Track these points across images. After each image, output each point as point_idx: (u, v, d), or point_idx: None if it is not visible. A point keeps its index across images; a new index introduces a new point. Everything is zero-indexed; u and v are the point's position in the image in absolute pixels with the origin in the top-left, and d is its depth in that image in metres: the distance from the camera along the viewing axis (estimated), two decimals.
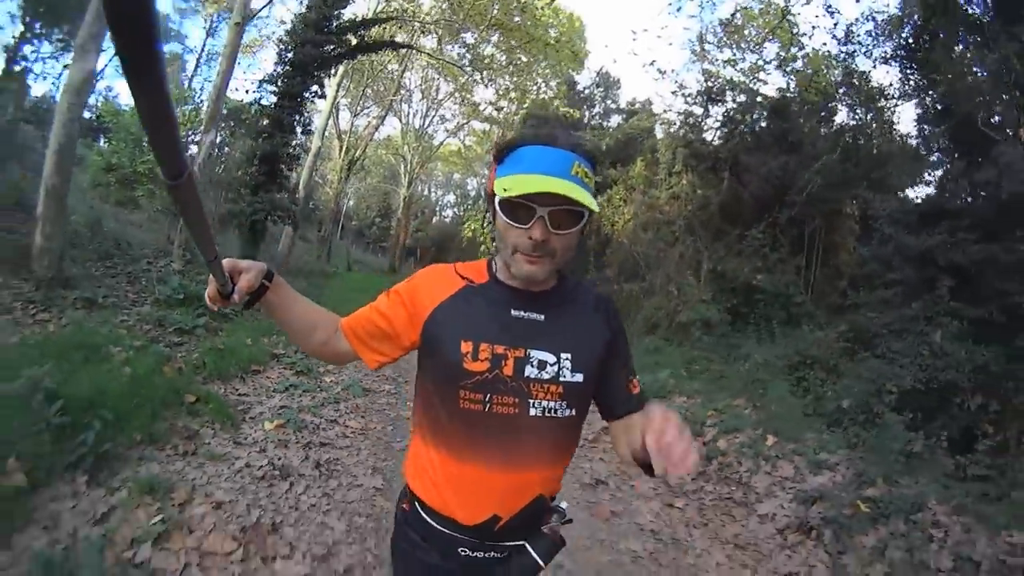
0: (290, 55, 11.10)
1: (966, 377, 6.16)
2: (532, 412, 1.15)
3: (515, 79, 18.24)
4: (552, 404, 1.16)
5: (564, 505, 1.26)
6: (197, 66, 32.48)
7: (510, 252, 1.14)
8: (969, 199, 7.56)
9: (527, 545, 1.21)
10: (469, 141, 29.85)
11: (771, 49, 14.07)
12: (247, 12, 8.96)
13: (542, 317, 1.20)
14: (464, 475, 1.16)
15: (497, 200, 1.10)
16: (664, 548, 3.35)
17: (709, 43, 14.07)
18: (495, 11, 14.68)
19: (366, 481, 3.50)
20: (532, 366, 1.16)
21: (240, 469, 3.07)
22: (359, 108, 22.96)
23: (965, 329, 6.34)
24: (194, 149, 11.19)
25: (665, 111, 14.58)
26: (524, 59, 16.81)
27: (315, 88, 11.70)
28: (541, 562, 1.21)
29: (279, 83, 11.07)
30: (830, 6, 10.96)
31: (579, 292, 1.30)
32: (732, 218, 12.81)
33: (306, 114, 11.86)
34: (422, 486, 1.22)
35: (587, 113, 19.98)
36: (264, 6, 10.45)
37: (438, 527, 1.20)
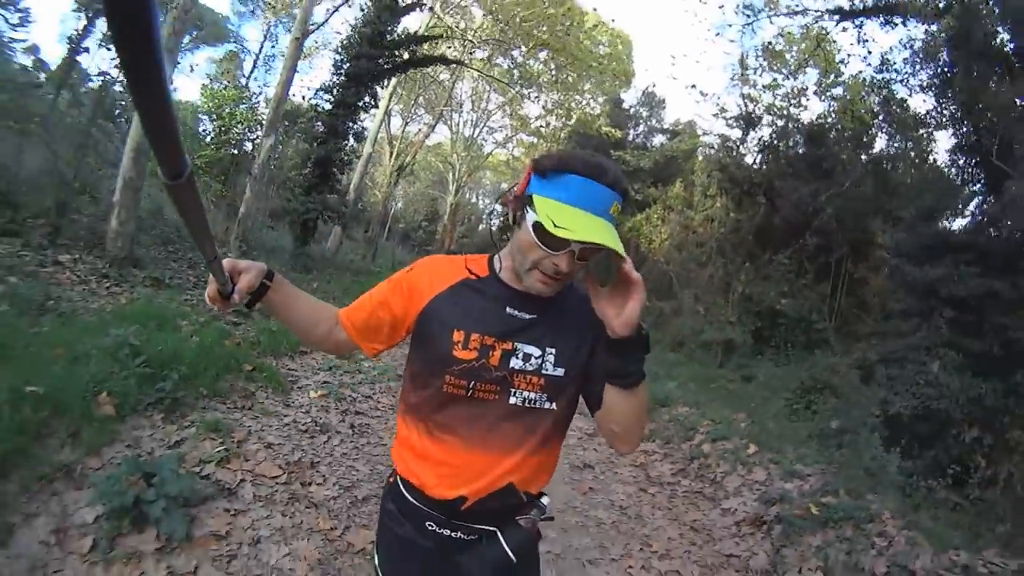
0: (346, 66, 11.84)
1: (959, 408, 6.44)
2: (512, 400, 1.21)
3: (562, 95, 18.86)
4: (533, 395, 1.22)
5: (546, 501, 1.30)
6: (254, 68, 33.91)
7: (527, 267, 1.17)
8: (993, 232, 7.78)
9: (498, 533, 1.26)
10: (517, 152, 30.43)
11: (811, 75, 14.32)
12: (306, 28, 9.78)
13: (534, 316, 1.24)
14: (439, 450, 1.22)
15: (532, 220, 1.12)
16: (627, 520, 3.90)
17: (749, 67, 14.41)
18: (543, 31, 15.36)
19: (390, 442, 4.15)
20: (518, 358, 1.22)
21: (287, 423, 3.74)
22: (411, 115, 23.90)
23: (963, 361, 6.60)
24: (248, 147, 12.20)
25: (704, 134, 15.04)
26: (570, 78, 17.39)
27: (368, 98, 12.52)
28: (511, 554, 1.25)
29: (335, 92, 11.86)
30: (862, 35, 11.21)
31: (570, 295, 1.32)
32: (763, 242, 13.13)
33: (359, 122, 12.66)
34: (402, 462, 1.30)
35: (631, 132, 20.44)
36: (322, 23, 11.23)
37: (411, 499, 1.27)
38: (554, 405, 1.24)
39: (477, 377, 1.20)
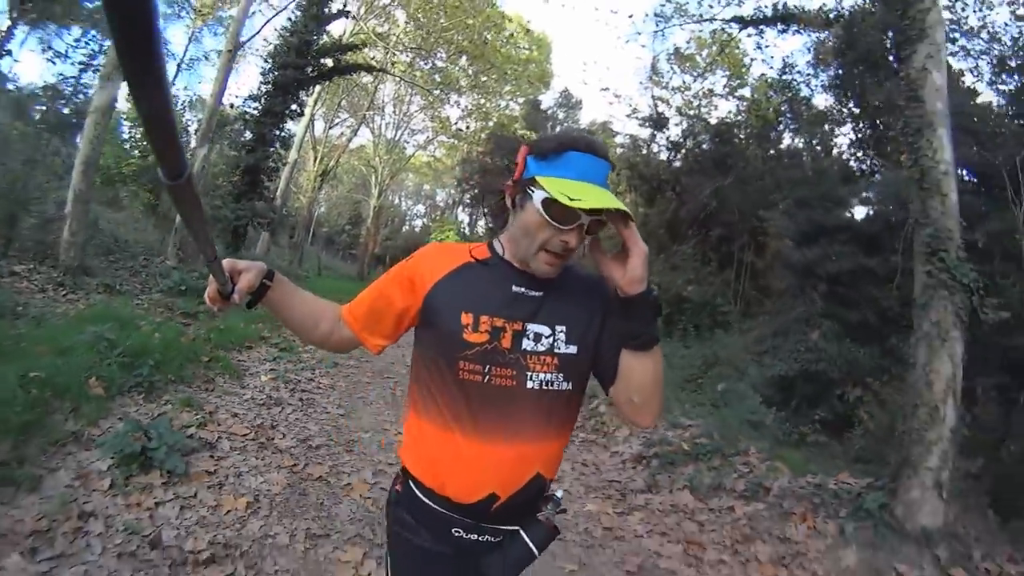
0: (273, 75, 12.28)
1: (837, 369, 7.59)
2: (529, 384, 1.17)
3: (482, 98, 19.70)
4: (549, 376, 1.19)
5: (559, 493, 1.28)
6: (178, 71, 33.06)
7: (535, 250, 1.17)
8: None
9: (521, 531, 1.22)
10: (439, 153, 30.98)
11: (720, 77, 15.60)
12: (238, 40, 10.22)
13: (540, 293, 1.22)
14: (461, 448, 1.16)
15: (541, 198, 1.12)
16: None
17: (660, 71, 15.57)
18: (463, 38, 16.14)
19: (332, 410, 5.00)
20: (529, 339, 1.19)
21: (247, 399, 4.50)
22: (334, 118, 24.25)
23: (840, 330, 7.78)
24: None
25: (616, 134, 16.14)
26: (489, 82, 18.21)
27: (295, 106, 12.95)
28: (535, 550, 1.22)
29: (262, 100, 12.27)
30: (763, 41, 12.49)
31: (577, 273, 1.32)
32: (673, 235, 14.26)
33: (286, 129, 13.13)
34: (417, 463, 1.24)
35: (547, 134, 21.35)
36: (254, 35, 11.65)
37: (432, 505, 1.21)
38: (570, 384, 1.23)
39: (492, 361, 1.17)
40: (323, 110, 22.61)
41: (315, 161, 21.80)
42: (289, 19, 12.87)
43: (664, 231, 14.36)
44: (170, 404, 3.81)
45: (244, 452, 3.52)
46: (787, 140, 14.63)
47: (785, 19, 11.66)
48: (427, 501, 1.21)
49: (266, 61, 12.72)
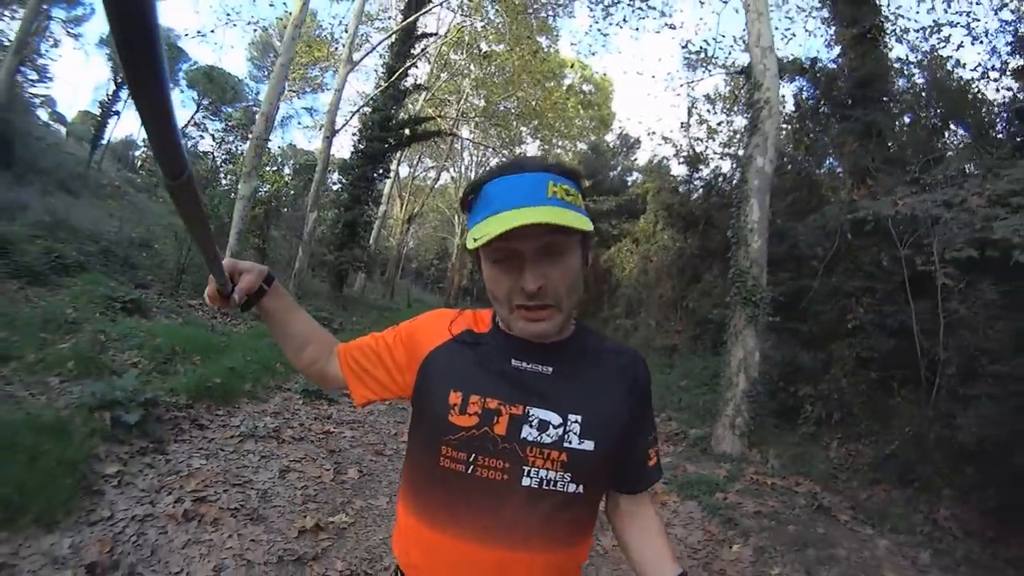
0: (362, 146, 15.75)
1: (782, 373, 9.96)
2: (525, 482, 1.02)
3: (545, 147, 22.84)
4: (552, 475, 1.03)
5: None
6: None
7: (507, 311, 1.06)
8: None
9: None
10: None
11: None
12: (333, 129, 13.83)
13: (549, 370, 1.09)
14: (439, 546, 1.05)
15: (476, 253, 1.05)
16: None
17: (695, 114, 18.10)
18: (523, 96, 19.42)
19: None
20: (531, 427, 1.04)
21: None
22: (417, 164, 28.15)
23: (788, 339, 10.18)
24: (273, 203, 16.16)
25: (653, 173, 18.59)
26: (550, 135, 21.34)
27: (381, 170, 16.48)
28: None
29: (354, 170, 15.91)
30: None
31: (600, 346, 1.18)
32: (708, 265, 16.69)
33: (376, 190, 16.75)
34: (403, 556, 1.14)
35: (610, 173, 23.95)
36: (345, 123, 15.23)
37: None
38: (580, 488, 1.04)
39: (478, 450, 1.03)
40: (407, 158, 26.31)
41: (402, 207, 25.60)
42: (372, 98, 16.30)
43: (699, 260, 16.77)
44: None
45: None
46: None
47: (797, 70, 14.26)
48: None
49: (355, 136, 16.10)
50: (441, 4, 16.22)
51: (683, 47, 17.24)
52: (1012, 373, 6.24)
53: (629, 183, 21.76)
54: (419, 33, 16.68)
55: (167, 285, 9.71)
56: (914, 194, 5.93)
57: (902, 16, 12.52)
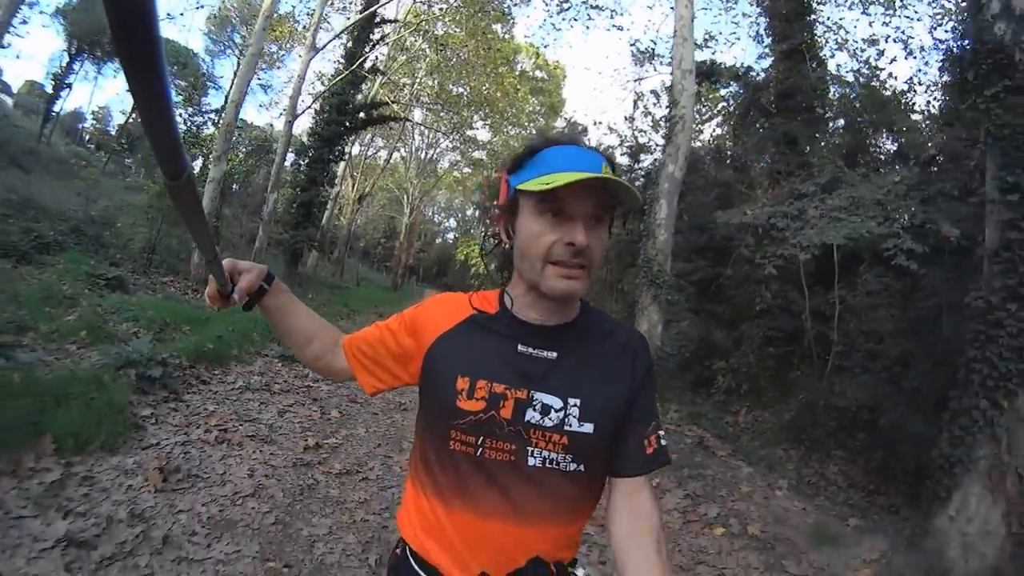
0: (319, 129, 16.42)
1: (695, 348, 11.26)
2: (531, 462, 1.08)
3: (494, 137, 23.82)
4: (555, 456, 1.09)
5: (581, 572, 1.20)
6: (225, 102, 36.73)
7: (540, 266, 1.07)
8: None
9: None
10: (467, 170, 33.25)
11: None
12: (295, 113, 14.52)
13: (554, 355, 1.13)
14: (452, 523, 1.10)
15: (523, 204, 1.08)
16: None
17: (639, 107, 19.35)
18: (477, 83, 20.26)
19: None
20: (535, 410, 1.09)
21: None
22: (368, 145, 28.68)
23: (704, 319, 11.53)
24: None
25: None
26: (500, 123, 22.28)
27: (337, 152, 17.28)
28: None
29: (311, 151, 16.63)
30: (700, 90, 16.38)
31: (604, 328, 1.22)
32: (637, 253, 18.04)
33: (331, 171, 17.46)
34: (411, 532, 1.18)
35: None
36: (308, 106, 15.91)
37: (423, 574, 1.15)
38: (582, 467, 1.11)
39: (487, 433, 1.09)
40: (358, 137, 26.58)
41: (353, 187, 26.21)
42: (332, 84, 16.82)
43: (634, 245, 18.02)
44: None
45: None
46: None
47: (710, 73, 15.59)
48: (419, 570, 1.15)
49: (313, 118, 16.79)
50: None
51: (631, 44, 18.42)
52: (883, 351, 7.64)
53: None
54: (379, 19, 17.28)
55: (138, 264, 10.41)
56: (768, 206, 7.23)
57: (842, 27, 13.84)
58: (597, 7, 13.72)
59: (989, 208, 4.65)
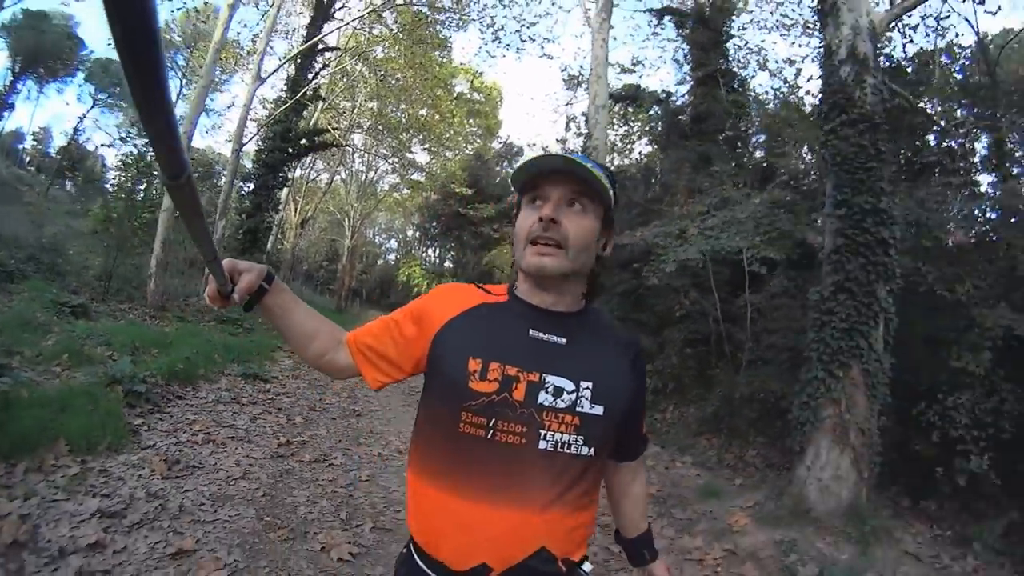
0: (264, 156, 16.91)
1: None
2: (542, 445, 1.11)
3: (432, 161, 24.70)
4: (567, 438, 1.13)
5: (588, 567, 1.21)
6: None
7: (523, 247, 1.17)
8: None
9: None
10: (407, 192, 34.28)
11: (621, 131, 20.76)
12: (240, 143, 15.13)
13: (563, 341, 1.19)
14: (457, 509, 1.11)
15: (521, 204, 1.21)
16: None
17: (571, 128, 20.65)
18: (416, 107, 21.09)
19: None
20: (547, 392, 1.13)
21: (283, 365, 9.39)
22: (309, 168, 29.09)
23: (630, 327, 12.65)
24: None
25: None
26: (437, 148, 23.12)
27: (281, 179, 17.88)
28: None
29: (256, 179, 17.18)
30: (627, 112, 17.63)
31: (608, 324, 1.30)
32: None
33: (275, 198, 18.02)
34: (416, 524, 1.20)
35: (495, 179, 25.56)
36: (254, 135, 16.50)
37: (427, 570, 1.16)
38: (592, 451, 1.15)
39: (499, 415, 1.12)
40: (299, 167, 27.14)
41: (296, 211, 26.69)
42: (277, 112, 17.23)
43: None
44: (253, 364, 8.65)
45: (292, 380, 8.40)
46: None
47: (635, 97, 16.93)
48: (422, 565, 1.17)
49: (258, 146, 17.28)
50: (345, 24, 17.56)
51: (562, 70, 19.67)
52: (783, 345, 8.79)
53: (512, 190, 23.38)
54: (321, 47, 17.89)
55: (96, 291, 10.91)
56: (658, 227, 8.38)
57: (763, 49, 15.34)
58: (530, 38, 14.74)
59: (827, 220, 5.83)
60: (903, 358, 5.74)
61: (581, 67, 17.45)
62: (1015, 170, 8.73)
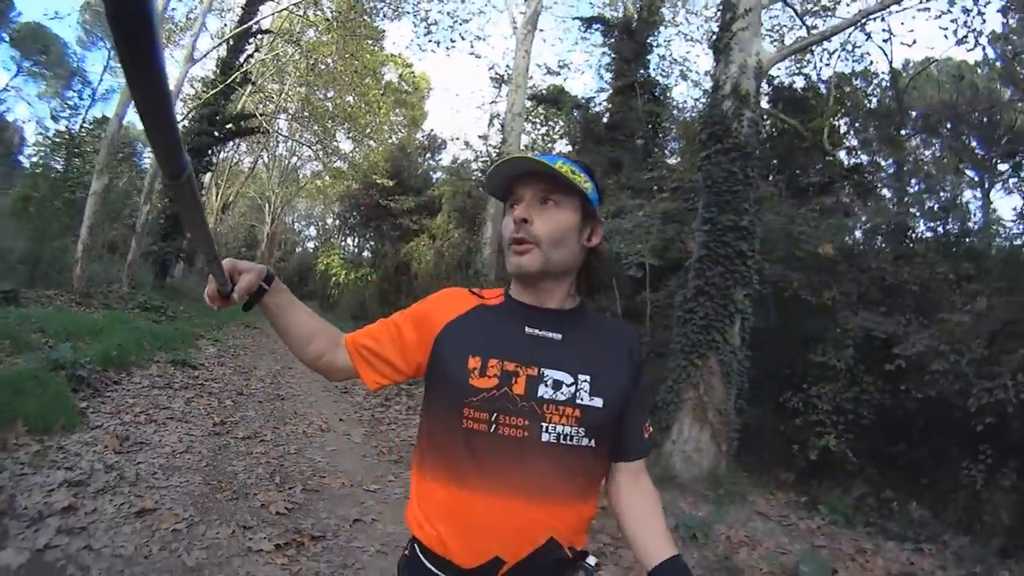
0: (190, 139, 16.84)
1: None
2: (544, 437, 1.14)
3: (355, 151, 24.90)
4: (568, 430, 1.15)
5: (592, 561, 1.21)
6: (93, 100, 35.05)
7: (507, 251, 1.23)
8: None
9: None
10: (328, 179, 33.22)
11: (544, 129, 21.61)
12: None
13: (559, 336, 1.23)
14: (465, 504, 1.13)
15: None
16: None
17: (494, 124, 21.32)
18: (342, 97, 21.29)
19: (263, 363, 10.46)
20: (546, 386, 1.16)
21: (208, 351, 9.92)
22: (232, 152, 28.86)
23: None
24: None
25: (454, 175, 21.08)
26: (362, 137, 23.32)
27: (207, 162, 18.01)
28: None
29: None
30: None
31: (602, 320, 1.34)
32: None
33: (199, 183, 18.02)
34: (419, 524, 1.21)
35: (417, 171, 24.70)
36: (184, 116, 16.28)
37: (434, 570, 1.17)
38: (593, 442, 1.18)
39: (500, 409, 1.15)
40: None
41: (218, 196, 26.50)
42: (203, 87, 17.53)
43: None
44: (179, 351, 9.14)
45: (218, 367, 8.97)
46: None
47: (556, 100, 17.89)
48: (428, 564, 1.18)
49: (184, 132, 17.30)
50: (281, 9, 17.69)
51: (490, 68, 20.31)
52: (673, 340, 9.89)
53: (434, 180, 23.55)
54: (255, 30, 17.93)
55: (21, 277, 11.05)
56: None
57: (688, 60, 16.34)
58: (461, 36, 15.25)
59: (697, 233, 6.92)
60: (781, 354, 6.86)
61: (508, 67, 18.13)
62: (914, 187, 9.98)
